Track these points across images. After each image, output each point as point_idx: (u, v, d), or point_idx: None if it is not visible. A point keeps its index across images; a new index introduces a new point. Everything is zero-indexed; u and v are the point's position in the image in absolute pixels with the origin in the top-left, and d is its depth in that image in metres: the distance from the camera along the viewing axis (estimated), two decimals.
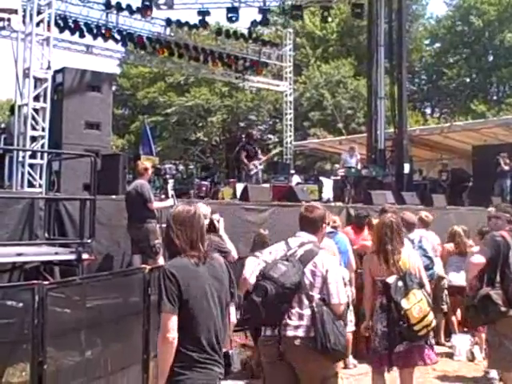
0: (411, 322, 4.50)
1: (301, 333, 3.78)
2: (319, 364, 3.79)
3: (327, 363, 3.85)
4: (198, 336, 3.07)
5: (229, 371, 3.36)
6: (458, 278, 7.49)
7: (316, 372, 3.82)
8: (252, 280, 3.91)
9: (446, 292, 7.70)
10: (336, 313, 3.85)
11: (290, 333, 3.79)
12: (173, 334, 3.01)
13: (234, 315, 5.32)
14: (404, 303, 4.51)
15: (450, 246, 7.81)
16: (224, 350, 3.25)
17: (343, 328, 3.91)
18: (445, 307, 7.67)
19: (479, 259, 4.95)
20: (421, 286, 4.69)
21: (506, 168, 13.64)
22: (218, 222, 6.26)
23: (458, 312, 7.75)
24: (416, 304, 4.54)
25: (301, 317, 3.81)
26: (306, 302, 3.82)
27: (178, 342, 3.02)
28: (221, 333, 3.18)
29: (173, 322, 3.01)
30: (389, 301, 4.60)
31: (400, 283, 4.58)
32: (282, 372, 3.85)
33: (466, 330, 7.47)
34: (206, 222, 5.76)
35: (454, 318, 7.81)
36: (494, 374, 6.07)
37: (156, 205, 7.51)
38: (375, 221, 6.05)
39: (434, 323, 4.76)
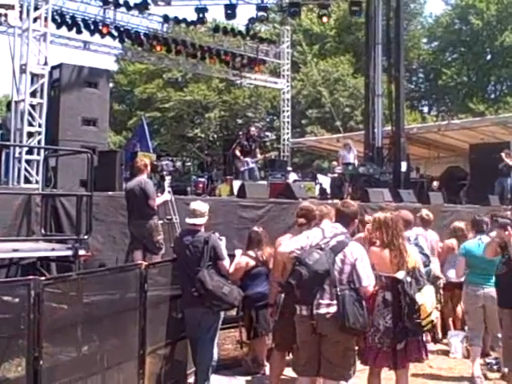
0: (422, 317, 4.59)
1: (331, 310, 4.39)
2: (343, 336, 4.41)
3: (348, 336, 4.46)
4: None
5: None
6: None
7: (340, 343, 4.45)
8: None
9: (441, 291, 7.69)
10: (366, 293, 4.49)
11: (322, 310, 4.41)
12: None
13: None
14: (419, 298, 4.61)
15: (451, 243, 7.74)
16: None
17: (365, 310, 4.43)
18: (439, 306, 7.66)
19: None
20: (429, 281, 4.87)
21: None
22: None
23: (459, 308, 7.75)
24: (429, 299, 4.67)
25: (331, 297, 4.40)
26: (335, 285, 4.38)
27: None
28: None
29: None
30: (397, 296, 4.63)
31: (409, 278, 4.65)
32: (312, 344, 4.52)
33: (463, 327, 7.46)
34: None
35: (450, 319, 7.82)
36: (477, 371, 6.12)
37: (156, 201, 7.47)
38: (368, 218, 6.04)
39: (435, 320, 4.93)
